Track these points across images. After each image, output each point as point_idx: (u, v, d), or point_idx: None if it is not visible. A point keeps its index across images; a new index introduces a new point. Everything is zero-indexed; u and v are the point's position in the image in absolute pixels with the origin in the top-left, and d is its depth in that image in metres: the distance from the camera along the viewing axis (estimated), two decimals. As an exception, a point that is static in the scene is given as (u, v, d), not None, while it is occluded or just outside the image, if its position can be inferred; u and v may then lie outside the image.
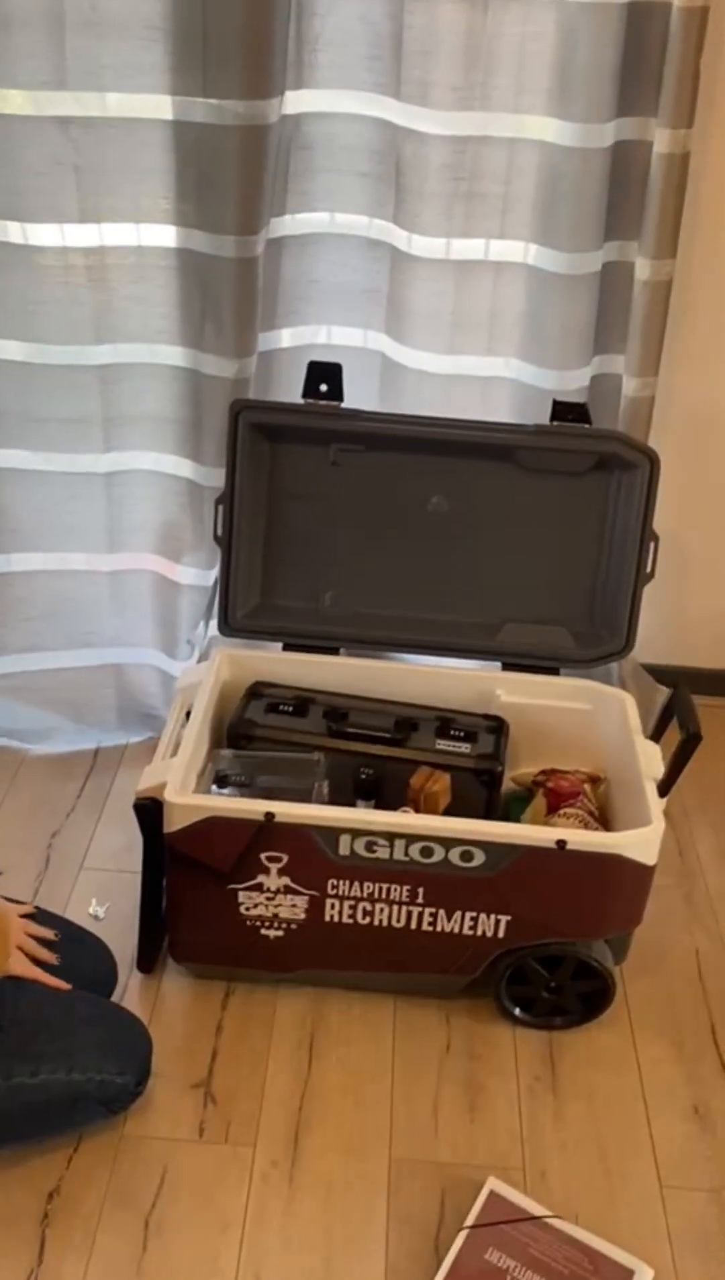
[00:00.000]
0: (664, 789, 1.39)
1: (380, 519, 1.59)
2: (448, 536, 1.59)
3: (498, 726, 1.53)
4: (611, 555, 1.58)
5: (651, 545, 1.55)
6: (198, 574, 1.80)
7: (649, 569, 1.56)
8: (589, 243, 1.62)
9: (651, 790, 1.39)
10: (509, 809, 1.60)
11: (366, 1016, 1.50)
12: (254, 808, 1.33)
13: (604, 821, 1.54)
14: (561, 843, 1.31)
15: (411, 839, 1.33)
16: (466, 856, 1.33)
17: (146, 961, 1.50)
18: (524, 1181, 1.31)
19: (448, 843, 1.33)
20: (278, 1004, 1.50)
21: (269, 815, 1.32)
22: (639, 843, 1.33)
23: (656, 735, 1.49)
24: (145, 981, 1.52)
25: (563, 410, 1.55)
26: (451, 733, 1.51)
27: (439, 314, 1.69)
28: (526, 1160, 1.34)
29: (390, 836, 1.33)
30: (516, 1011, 1.47)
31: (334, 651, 1.61)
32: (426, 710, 1.55)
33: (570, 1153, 1.35)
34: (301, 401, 1.55)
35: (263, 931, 1.42)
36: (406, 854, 1.34)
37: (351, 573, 1.60)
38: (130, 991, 1.50)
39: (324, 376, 1.54)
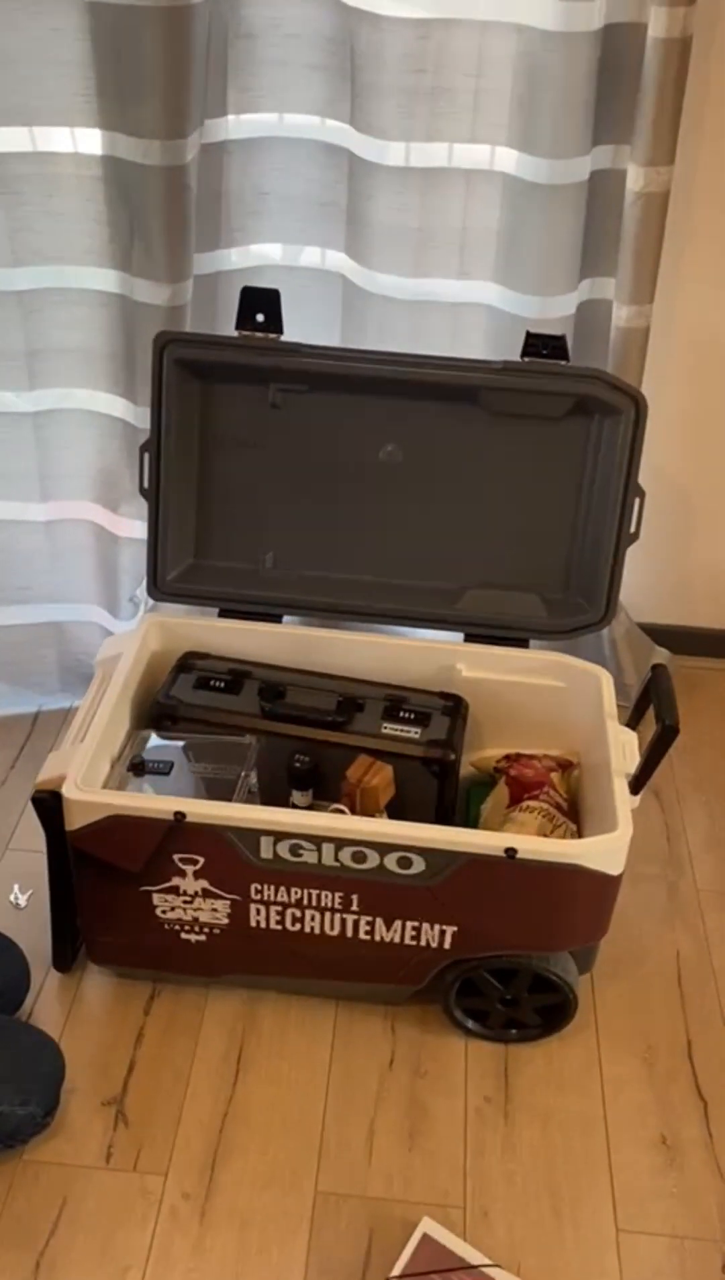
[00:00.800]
0: (636, 786, 1.22)
1: (327, 470, 1.40)
2: (403, 490, 1.40)
3: (455, 707, 1.36)
4: (590, 512, 1.38)
5: (636, 501, 1.35)
6: (139, 526, 1.62)
7: (633, 528, 1.36)
8: (574, 147, 1.40)
9: (621, 788, 1.21)
10: (468, 798, 1.44)
11: (303, 1024, 1.36)
12: (162, 806, 1.17)
13: (574, 814, 1.38)
14: (511, 851, 1.15)
15: (341, 843, 1.17)
16: (404, 863, 1.18)
17: (62, 959, 1.37)
18: (464, 1221, 1.18)
19: (382, 848, 1.17)
20: (207, 1007, 1.36)
21: (179, 815, 1.16)
22: (601, 852, 1.16)
23: (634, 720, 1.32)
24: (63, 981, 1.38)
25: (536, 343, 1.35)
26: (401, 714, 1.34)
27: (404, 230, 1.48)
28: (468, 1196, 1.20)
29: (317, 840, 1.17)
30: (469, 1024, 1.33)
31: (276, 619, 1.44)
32: (376, 687, 1.38)
33: (518, 1188, 1.21)
34: (235, 334, 1.36)
35: (183, 935, 1.28)
36: (336, 859, 1.18)
37: (295, 531, 1.42)
38: (46, 992, 1.37)
39: (260, 304, 1.34)
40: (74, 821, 1.19)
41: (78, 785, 1.18)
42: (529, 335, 1.35)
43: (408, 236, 1.48)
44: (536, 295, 1.49)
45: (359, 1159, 1.23)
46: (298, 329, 1.47)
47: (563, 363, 1.34)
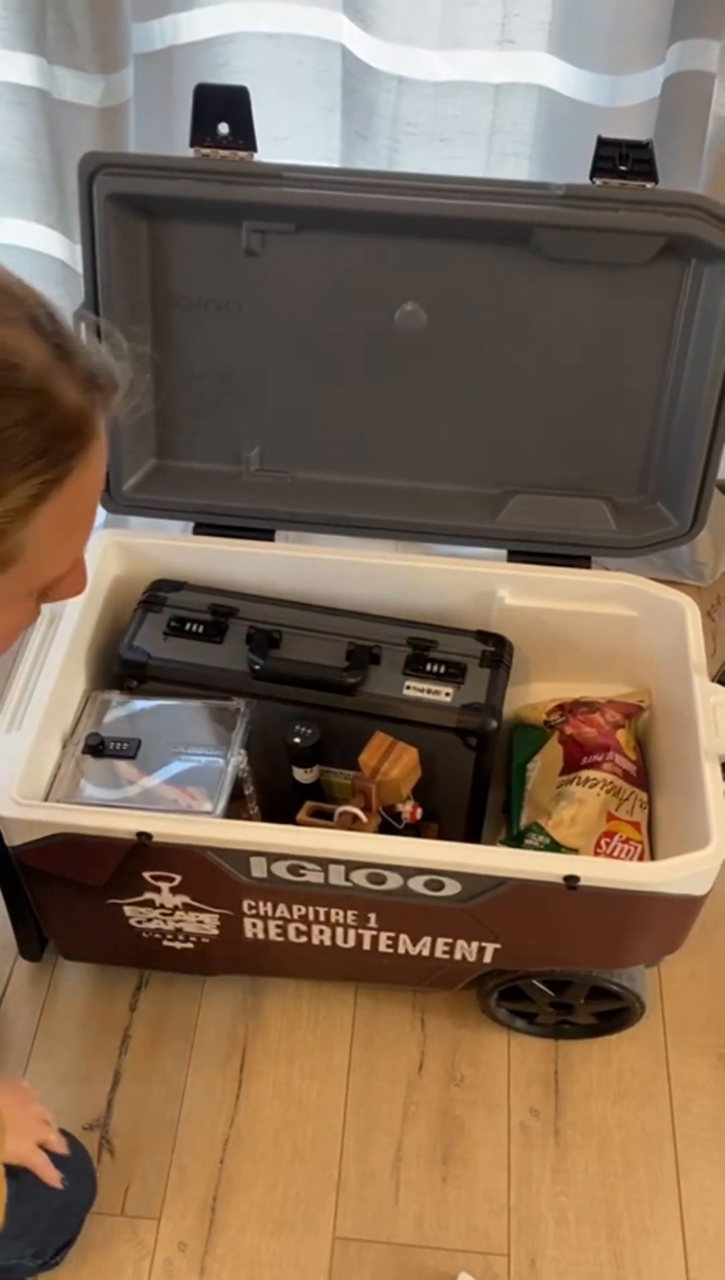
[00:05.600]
0: (732, 771, 0.95)
1: (325, 338, 1.05)
2: (428, 363, 1.05)
3: (496, 654, 1.07)
4: (679, 390, 1.04)
5: (741, 377, 1.01)
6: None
7: (735, 412, 1.02)
8: None
9: (714, 779, 0.94)
10: (513, 744, 1.17)
11: (317, 1017, 1.15)
12: (120, 825, 0.91)
13: (642, 773, 1.11)
14: (572, 879, 0.89)
15: (353, 865, 0.91)
16: (434, 885, 0.93)
17: (30, 948, 1.15)
18: (508, 1273, 1.01)
19: (406, 871, 0.91)
20: (204, 999, 1.16)
21: (144, 836, 0.91)
22: (687, 875, 0.90)
23: (727, 674, 1.03)
24: (35, 972, 1.18)
25: (611, 155, 0.96)
26: (428, 667, 1.05)
27: (425, -20, 1.06)
28: (512, 1239, 1.03)
29: (322, 861, 0.91)
30: (516, 1023, 1.12)
31: (266, 536, 1.13)
32: (396, 626, 1.09)
33: (571, 1227, 1.03)
34: (190, 154, 0.98)
35: (166, 944, 1.05)
36: (347, 880, 0.93)
37: (286, 420, 1.09)
38: (15, 985, 1.17)
39: (222, 108, 0.96)
40: (14, 838, 0.94)
41: (14, 798, 0.92)
42: (601, 143, 0.96)
43: (430, -12, 1.06)
44: (608, 73, 1.08)
45: (384, 1194, 1.05)
46: (281, 132, 1.09)
47: (649, 185, 0.96)
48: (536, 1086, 1.11)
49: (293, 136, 1.19)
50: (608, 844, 1.03)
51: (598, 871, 0.89)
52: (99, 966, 1.17)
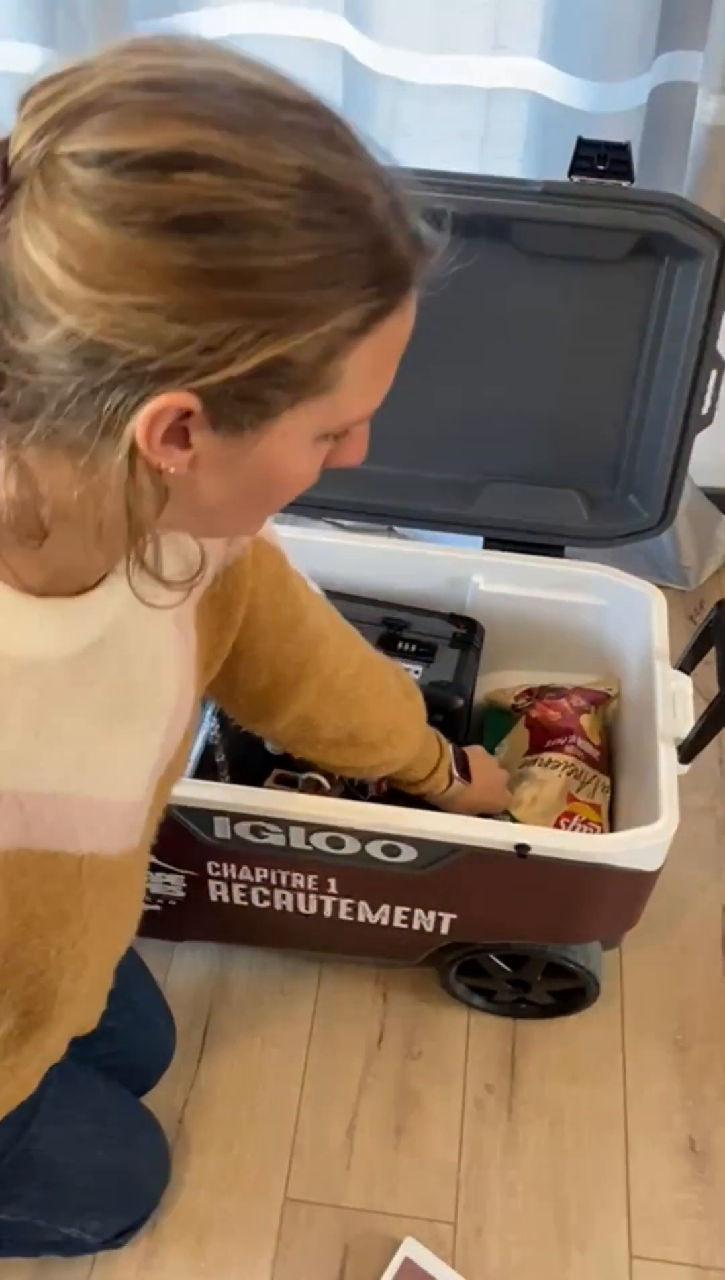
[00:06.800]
0: (688, 754, 0.97)
1: (311, 326, 1.08)
2: (406, 353, 1.09)
3: (467, 636, 1.10)
4: (651, 385, 1.07)
5: (713, 374, 1.04)
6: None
7: (705, 408, 1.06)
8: None
9: (668, 760, 0.96)
10: (484, 727, 1.20)
11: (282, 988, 1.18)
12: (89, 780, 0.94)
13: (606, 759, 1.14)
14: (522, 847, 0.91)
15: (313, 828, 0.94)
16: (391, 851, 0.95)
17: None
18: (453, 1240, 1.03)
19: (364, 835, 0.94)
20: (171, 966, 1.19)
21: (111, 791, 0.94)
22: (637, 849, 0.92)
23: (690, 662, 1.05)
24: None
25: (589, 155, 1.00)
26: (399, 646, 1.08)
27: (422, -15, 1.10)
28: (460, 1209, 1.04)
29: (283, 824, 0.94)
30: (474, 1000, 1.14)
31: (249, 515, 1.16)
32: (371, 607, 1.12)
33: (519, 1200, 1.05)
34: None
35: (134, 905, 1.08)
36: (308, 843, 0.96)
37: (272, 404, 1.12)
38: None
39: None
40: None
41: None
42: (581, 143, 1.00)
43: (426, -7, 1.11)
44: (595, 79, 1.11)
45: (337, 1160, 1.07)
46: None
47: (625, 184, 0.99)
48: (493, 1064, 1.13)
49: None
50: (567, 824, 1.06)
51: (548, 841, 0.92)
52: (72, 931, 1.20)
